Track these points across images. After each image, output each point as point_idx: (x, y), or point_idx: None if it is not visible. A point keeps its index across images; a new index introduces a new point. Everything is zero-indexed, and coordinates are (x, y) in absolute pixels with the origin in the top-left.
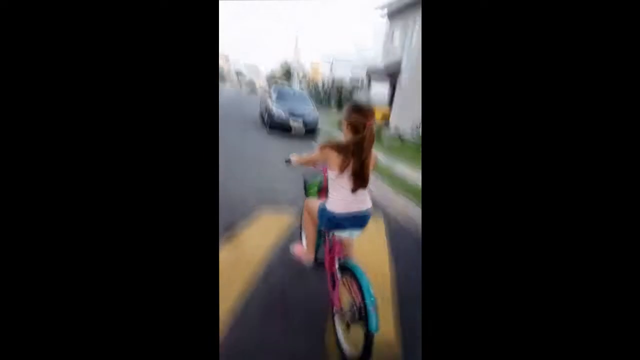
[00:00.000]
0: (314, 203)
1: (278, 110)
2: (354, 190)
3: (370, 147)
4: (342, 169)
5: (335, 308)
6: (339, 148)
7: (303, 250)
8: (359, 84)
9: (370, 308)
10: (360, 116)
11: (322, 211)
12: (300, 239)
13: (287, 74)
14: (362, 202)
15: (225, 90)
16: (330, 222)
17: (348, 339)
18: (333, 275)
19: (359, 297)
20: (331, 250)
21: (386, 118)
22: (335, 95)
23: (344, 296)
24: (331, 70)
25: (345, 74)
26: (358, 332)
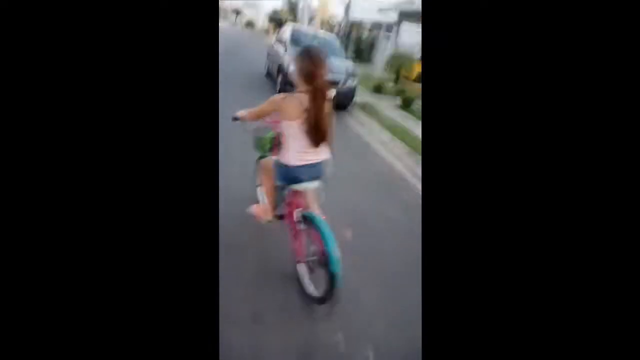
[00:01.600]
0: (269, 160)
1: None
2: (313, 145)
3: (323, 99)
4: (296, 119)
5: (298, 257)
6: (291, 97)
7: (261, 208)
8: (385, 29)
9: (331, 251)
10: (309, 64)
11: (277, 165)
12: (258, 199)
13: (292, 11)
14: (317, 152)
15: (221, 28)
16: (285, 175)
17: (312, 282)
18: (294, 228)
19: (321, 243)
20: (290, 203)
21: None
22: (352, 43)
23: (307, 246)
24: (347, 10)
25: (365, 16)
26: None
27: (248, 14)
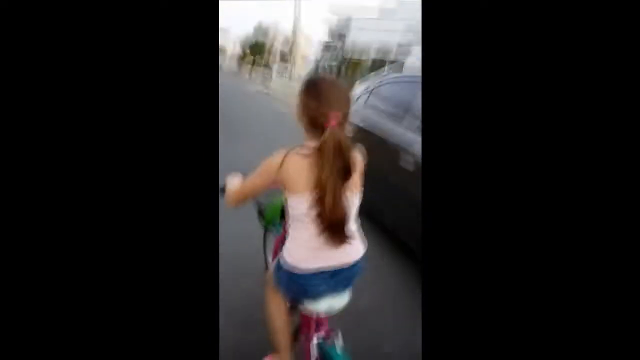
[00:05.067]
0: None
1: None
2: (328, 241)
3: (334, 162)
4: (303, 192)
5: None
6: (295, 158)
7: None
8: (400, 53)
9: None
10: (316, 105)
11: (278, 267)
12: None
13: (260, 44)
14: (343, 249)
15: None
16: (289, 285)
17: None
18: None
19: None
20: (302, 327)
21: None
22: (353, 76)
23: None
24: (345, 32)
25: (371, 38)
26: None
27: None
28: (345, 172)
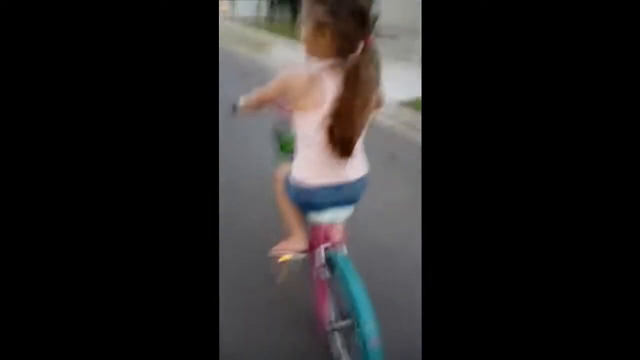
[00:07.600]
0: (283, 171)
1: None
2: (337, 156)
3: (362, 83)
4: (313, 110)
5: (322, 323)
6: (309, 74)
7: (287, 241)
8: None
9: (367, 335)
10: (354, 20)
11: (288, 181)
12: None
13: None
14: (347, 166)
15: None
16: (297, 198)
17: (349, 351)
18: (315, 275)
19: (352, 311)
20: (312, 238)
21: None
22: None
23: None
24: None
25: None
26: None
27: None
28: (367, 98)
